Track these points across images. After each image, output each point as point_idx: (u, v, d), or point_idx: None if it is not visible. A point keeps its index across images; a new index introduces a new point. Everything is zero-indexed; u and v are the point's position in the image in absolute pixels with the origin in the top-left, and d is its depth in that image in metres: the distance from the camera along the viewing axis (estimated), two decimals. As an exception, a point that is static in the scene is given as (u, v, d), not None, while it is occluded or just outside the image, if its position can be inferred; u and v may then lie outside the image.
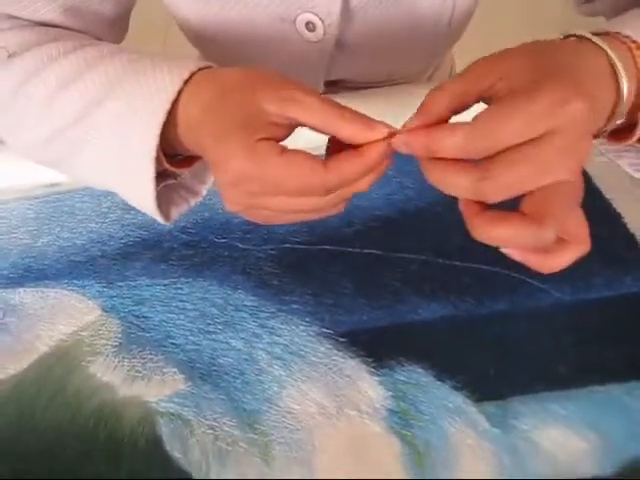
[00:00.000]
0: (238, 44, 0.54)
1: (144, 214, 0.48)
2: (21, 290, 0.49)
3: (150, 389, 0.41)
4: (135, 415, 0.40)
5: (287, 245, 0.48)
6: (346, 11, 0.50)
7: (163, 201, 0.38)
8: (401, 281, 0.44)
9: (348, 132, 0.30)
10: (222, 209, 0.52)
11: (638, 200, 0.51)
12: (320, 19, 0.50)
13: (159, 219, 0.37)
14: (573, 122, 0.28)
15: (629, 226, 0.48)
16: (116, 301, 0.47)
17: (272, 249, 0.48)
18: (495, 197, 0.29)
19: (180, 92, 0.34)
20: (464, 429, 0.38)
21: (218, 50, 0.55)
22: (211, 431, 0.39)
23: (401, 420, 0.38)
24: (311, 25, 0.51)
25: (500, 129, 0.28)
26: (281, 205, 0.31)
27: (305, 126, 0.31)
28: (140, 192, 0.36)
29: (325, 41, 0.51)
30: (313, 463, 0.37)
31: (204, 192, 0.41)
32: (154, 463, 0.38)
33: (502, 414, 0.38)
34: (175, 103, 0.34)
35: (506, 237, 0.29)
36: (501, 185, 0.28)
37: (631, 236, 0.47)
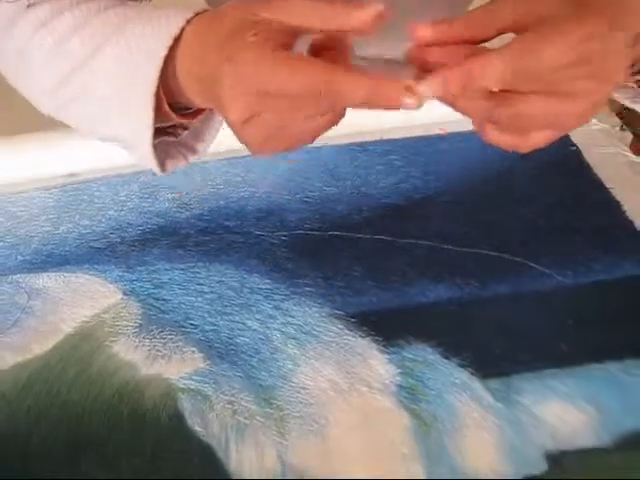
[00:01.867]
0: None
1: (161, 202, 0.51)
2: (44, 275, 0.52)
3: (170, 367, 0.43)
4: (157, 391, 0.42)
5: (299, 231, 0.50)
6: None
7: (161, 153, 0.37)
8: (409, 265, 0.47)
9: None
10: (236, 197, 0.54)
11: (637, 188, 0.53)
12: None
13: (155, 167, 0.36)
14: (606, 52, 0.29)
15: (628, 214, 0.50)
16: (136, 285, 0.49)
17: (285, 235, 0.50)
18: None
19: (183, 30, 0.33)
20: (469, 403, 0.40)
21: None
22: (229, 406, 0.41)
23: (409, 395, 0.40)
24: None
25: (544, 51, 0.28)
26: (288, 106, 0.30)
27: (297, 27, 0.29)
28: (138, 133, 0.35)
29: None
30: (326, 435, 0.39)
31: (202, 151, 0.40)
32: (176, 436, 0.40)
33: (505, 390, 0.40)
34: (177, 41, 0.33)
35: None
36: None
37: (630, 223, 0.49)
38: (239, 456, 0.39)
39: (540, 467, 0.37)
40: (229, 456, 0.39)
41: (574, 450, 0.38)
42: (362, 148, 0.55)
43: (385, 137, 0.55)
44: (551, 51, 0.27)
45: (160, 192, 0.56)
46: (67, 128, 0.55)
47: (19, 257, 0.54)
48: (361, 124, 0.56)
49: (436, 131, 0.54)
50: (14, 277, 0.52)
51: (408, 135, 0.54)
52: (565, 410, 0.39)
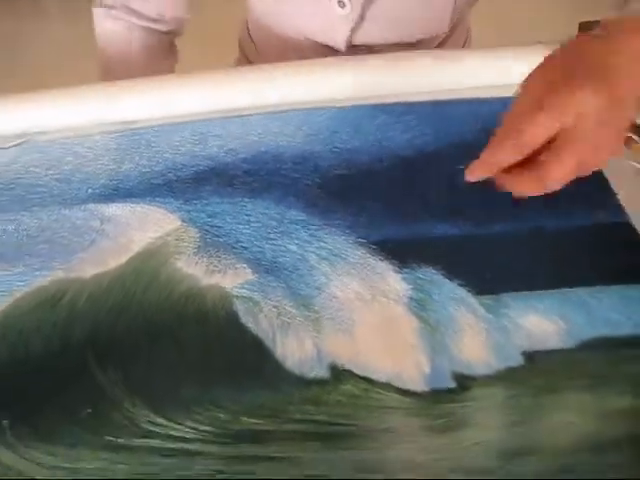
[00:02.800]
0: (281, 12, 0.66)
1: (210, 148, 0.61)
2: (113, 205, 0.62)
3: (226, 279, 0.54)
4: (215, 297, 0.53)
5: (330, 175, 0.60)
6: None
7: None
8: (420, 205, 0.57)
9: None
10: (275, 146, 0.64)
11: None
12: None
13: None
14: (585, 116, 0.38)
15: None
16: (192, 214, 0.59)
17: (318, 178, 0.60)
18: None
19: None
20: (466, 314, 0.51)
21: (265, 17, 0.67)
22: (275, 309, 0.52)
23: (418, 305, 0.51)
24: (342, 3, 0.63)
25: (525, 125, 0.39)
26: None
27: None
28: None
29: (351, 14, 0.64)
30: (353, 333, 0.50)
31: None
32: (232, 331, 0.51)
33: (495, 305, 0.51)
34: None
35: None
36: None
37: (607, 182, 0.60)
38: (283, 347, 0.50)
39: (518, 361, 0.48)
40: (276, 346, 0.50)
41: (545, 350, 0.49)
42: (382, 109, 0.65)
43: (402, 100, 0.65)
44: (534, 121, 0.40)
45: (208, 139, 0.66)
46: (125, 83, 0.65)
47: (89, 190, 0.63)
48: (382, 89, 0.66)
49: (447, 96, 0.64)
50: (87, 206, 0.62)
51: (422, 99, 0.65)
52: (540, 321, 0.50)
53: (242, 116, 0.66)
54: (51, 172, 0.65)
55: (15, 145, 0.68)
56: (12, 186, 0.64)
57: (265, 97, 0.66)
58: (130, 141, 0.66)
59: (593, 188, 0.57)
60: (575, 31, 0.67)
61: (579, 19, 0.69)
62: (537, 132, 0.39)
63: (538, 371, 0.47)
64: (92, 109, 0.69)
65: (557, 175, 0.40)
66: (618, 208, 0.57)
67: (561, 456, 0.44)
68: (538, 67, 0.42)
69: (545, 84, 0.40)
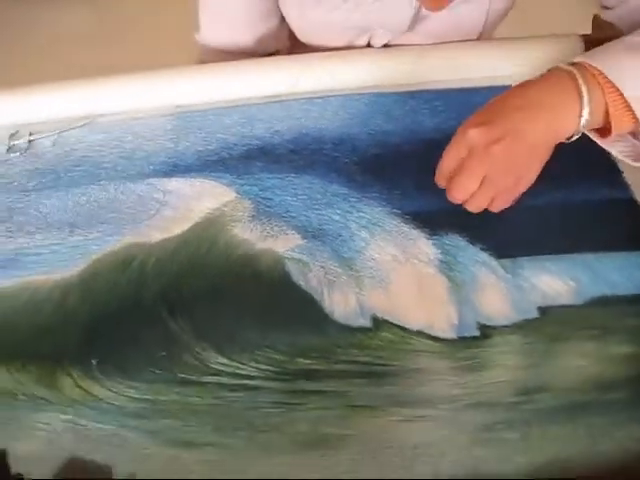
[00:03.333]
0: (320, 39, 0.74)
1: (257, 129, 0.68)
2: (173, 180, 0.70)
3: (278, 244, 0.62)
4: (269, 259, 0.61)
5: (366, 155, 0.68)
6: (411, 25, 0.69)
7: None
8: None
9: None
10: (316, 128, 0.71)
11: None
12: (389, 31, 0.69)
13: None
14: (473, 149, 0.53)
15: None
16: (245, 188, 0.67)
17: (355, 157, 0.68)
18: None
19: None
20: (487, 274, 0.59)
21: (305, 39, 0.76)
22: (322, 269, 0.60)
23: (447, 266, 0.59)
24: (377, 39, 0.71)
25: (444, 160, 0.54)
26: None
27: None
28: None
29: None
30: (389, 290, 0.58)
31: None
32: (286, 288, 0.59)
33: (513, 266, 0.59)
34: None
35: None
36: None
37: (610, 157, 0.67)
38: (331, 300, 0.58)
39: (533, 314, 0.56)
40: (324, 300, 0.58)
41: (556, 305, 0.57)
42: (412, 96, 0.73)
43: (430, 88, 0.73)
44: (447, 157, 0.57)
45: (255, 122, 0.73)
46: (174, 69, 0.73)
47: (150, 166, 0.71)
48: (413, 77, 0.73)
49: (470, 85, 0.72)
50: (149, 180, 0.70)
51: (449, 87, 0.72)
52: (552, 281, 0.58)
53: (284, 101, 0.74)
54: (115, 150, 0.73)
55: (81, 126, 0.76)
56: (80, 163, 0.72)
57: (305, 84, 0.73)
58: (185, 123, 0.74)
59: (603, 169, 0.65)
60: (589, 23, 0.75)
61: (593, 12, 0.77)
62: (445, 165, 0.55)
63: (550, 323, 0.55)
64: (149, 93, 0.76)
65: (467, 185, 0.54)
66: (624, 186, 0.64)
67: (570, 393, 0.52)
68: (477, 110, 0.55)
69: (465, 123, 0.55)
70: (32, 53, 2.03)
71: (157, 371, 0.54)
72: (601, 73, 0.52)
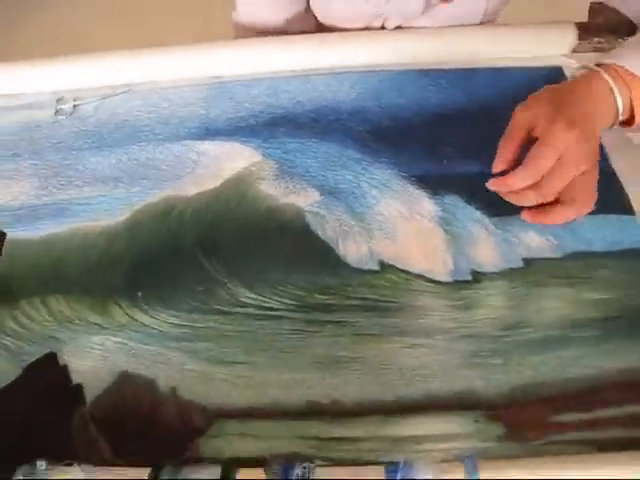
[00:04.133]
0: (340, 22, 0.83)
1: (282, 99, 0.77)
2: (205, 142, 0.79)
3: (299, 199, 0.71)
4: (292, 212, 0.70)
5: (379, 125, 0.77)
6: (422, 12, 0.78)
7: None
8: (448, 149, 0.74)
9: None
10: (334, 100, 0.80)
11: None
12: (402, 17, 0.78)
13: None
14: (569, 147, 0.55)
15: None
16: (270, 151, 0.76)
17: (368, 126, 0.77)
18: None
19: None
20: (480, 229, 0.68)
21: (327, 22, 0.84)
22: (337, 222, 0.69)
23: (445, 222, 0.68)
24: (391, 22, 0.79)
25: (535, 167, 0.56)
26: None
27: None
28: None
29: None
30: (396, 239, 0.67)
31: None
32: (306, 237, 0.68)
33: (503, 224, 0.68)
34: None
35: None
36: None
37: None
38: (345, 248, 0.67)
39: (518, 264, 0.65)
40: (338, 247, 0.67)
41: (538, 257, 0.66)
42: (420, 74, 0.82)
43: (436, 67, 0.82)
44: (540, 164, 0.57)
45: (279, 93, 0.82)
46: (207, 44, 0.81)
47: (185, 130, 0.80)
48: (421, 57, 0.82)
49: (470, 65, 0.81)
50: (184, 142, 0.79)
51: (454, 67, 0.81)
52: (536, 237, 0.67)
53: (306, 75, 0.83)
54: (152, 115, 0.82)
55: (121, 93, 0.85)
56: (121, 126, 0.82)
57: (326, 61, 0.82)
58: (216, 92, 0.83)
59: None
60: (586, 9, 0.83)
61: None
62: (544, 165, 0.55)
63: (532, 271, 0.65)
64: (183, 65, 0.86)
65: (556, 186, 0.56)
66: (604, 158, 0.73)
67: (546, 329, 0.61)
68: (525, 104, 0.59)
69: (535, 119, 0.57)
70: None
71: (195, 303, 0.64)
72: (625, 70, 0.60)
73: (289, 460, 0.51)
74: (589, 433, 0.54)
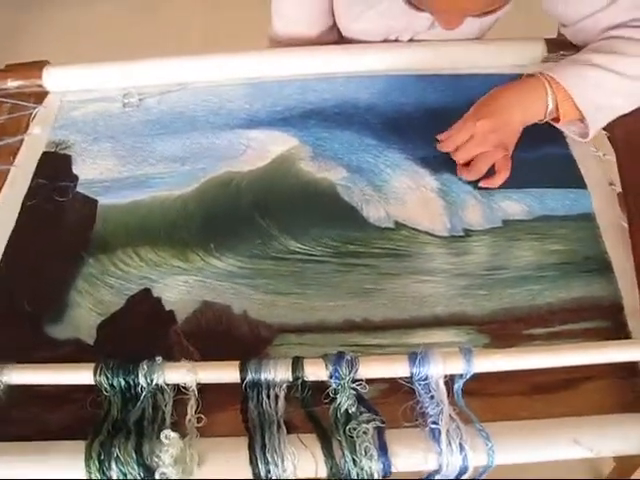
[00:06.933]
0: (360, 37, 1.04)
1: (311, 97, 0.99)
2: (252, 130, 0.99)
3: (330, 174, 0.92)
4: (326, 184, 0.91)
5: (389, 117, 0.99)
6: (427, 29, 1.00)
7: None
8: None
9: None
10: (354, 98, 1.02)
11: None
12: (412, 32, 1.00)
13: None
14: (477, 132, 0.84)
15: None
16: (305, 138, 0.96)
17: (382, 119, 0.98)
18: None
19: None
20: (470, 198, 0.89)
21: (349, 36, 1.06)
22: (361, 192, 0.90)
23: (443, 193, 0.89)
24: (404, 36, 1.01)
25: (452, 140, 0.85)
26: None
27: None
28: None
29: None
30: (406, 205, 0.89)
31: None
32: (337, 204, 0.90)
33: (488, 195, 0.89)
34: None
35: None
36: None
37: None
38: (367, 211, 0.88)
39: (498, 224, 0.87)
40: (362, 211, 0.88)
41: (514, 219, 0.88)
42: (420, 78, 1.03)
43: (434, 73, 1.03)
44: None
45: (308, 92, 1.04)
46: (248, 50, 1.02)
47: (234, 120, 1.01)
48: (421, 65, 1.04)
49: (459, 72, 1.03)
50: (235, 130, 0.99)
51: (447, 72, 1.03)
52: (513, 204, 0.89)
53: (330, 78, 1.04)
54: (205, 108, 1.02)
55: (177, 90, 1.06)
56: (181, 117, 1.02)
57: (347, 66, 1.04)
58: (256, 90, 1.03)
59: (551, 136, 0.96)
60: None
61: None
62: (456, 140, 0.85)
63: (509, 230, 0.86)
64: (228, 67, 1.06)
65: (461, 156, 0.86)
66: (565, 146, 0.96)
67: (519, 271, 0.83)
68: (476, 103, 0.86)
69: (471, 113, 0.85)
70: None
71: (255, 251, 0.85)
72: (553, 78, 0.85)
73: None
74: (553, 342, 0.76)
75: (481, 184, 0.86)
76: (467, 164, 0.86)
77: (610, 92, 0.84)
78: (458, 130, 0.85)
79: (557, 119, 0.87)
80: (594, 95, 0.84)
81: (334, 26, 1.07)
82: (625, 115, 0.88)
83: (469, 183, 0.89)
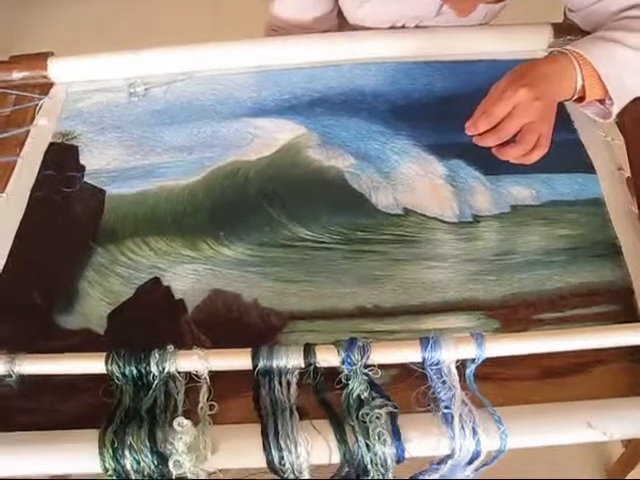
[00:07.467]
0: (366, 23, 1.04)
1: (318, 85, 0.99)
2: (260, 119, 0.99)
3: (338, 162, 0.91)
4: (334, 172, 0.91)
5: (396, 104, 0.99)
6: (435, 15, 0.99)
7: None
8: (452, 123, 0.95)
9: None
10: (361, 85, 1.02)
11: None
12: (419, 19, 0.99)
13: None
14: (521, 101, 0.77)
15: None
16: (312, 126, 0.96)
17: (389, 105, 0.98)
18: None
19: None
20: (478, 184, 0.89)
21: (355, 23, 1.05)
22: (369, 179, 0.90)
23: (451, 179, 0.89)
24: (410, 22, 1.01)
25: (492, 115, 0.78)
26: None
27: None
28: None
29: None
30: (414, 192, 0.89)
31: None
32: (345, 191, 0.90)
33: (496, 180, 0.89)
34: None
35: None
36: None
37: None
38: (376, 198, 0.88)
39: (507, 210, 0.87)
40: (371, 197, 0.88)
41: (522, 205, 0.88)
42: (427, 65, 1.02)
43: (440, 59, 1.03)
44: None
45: (315, 80, 1.03)
46: (254, 39, 1.02)
47: (241, 109, 1.00)
48: (429, 51, 1.04)
49: (466, 58, 1.02)
50: (242, 119, 0.99)
51: (454, 59, 1.03)
52: (521, 189, 0.89)
53: (336, 65, 1.04)
54: (212, 97, 1.02)
55: (183, 79, 1.06)
56: (187, 106, 1.01)
57: (354, 54, 1.04)
58: (263, 79, 1.03)
59: (560, 121, 0.96)
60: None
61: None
62: (498, 113, 0.75)
63: (518, 215, 0.86)
64: (235, 56, 1.06)
65: (509, 129, 0.76)
66: (573, 131, 0.95)
67: (527, 256, 0.83)
68: (508, 73, 0.80)
69: (508, 83, 0.78)
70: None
71: (264, 239, 0.85)
72: (580, 55, 0.82)
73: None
74: (564, 326, 0.76)
75: (514, 160, 0.78)
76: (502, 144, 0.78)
77: (635, 70, 0.83)
78: (495, 103, 0.75)
79: (581, 99, 0.86)
80: (620, 73, 0.82)
81: (333, 11, 1.06)
82: (633, 100, 0.87)
83: (479, 168, 0.88)
